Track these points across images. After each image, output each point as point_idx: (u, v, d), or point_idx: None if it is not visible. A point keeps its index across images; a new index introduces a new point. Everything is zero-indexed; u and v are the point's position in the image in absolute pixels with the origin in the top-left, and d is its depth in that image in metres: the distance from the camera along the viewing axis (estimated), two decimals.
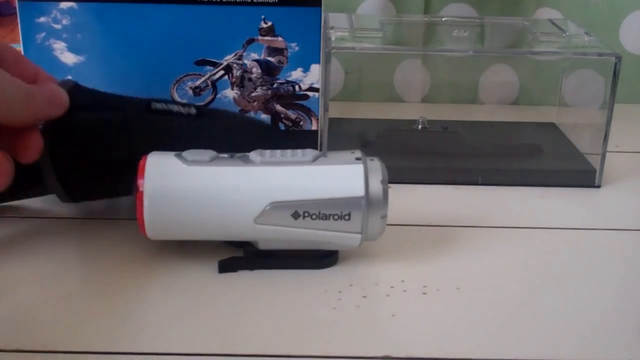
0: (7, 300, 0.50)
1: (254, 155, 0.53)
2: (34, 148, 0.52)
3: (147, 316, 0.49)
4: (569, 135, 0.77)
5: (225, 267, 0.53)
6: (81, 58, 0.66)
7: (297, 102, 0.69)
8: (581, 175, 0.70)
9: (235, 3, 0.65)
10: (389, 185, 0.53)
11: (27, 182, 0.56)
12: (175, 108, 0.58)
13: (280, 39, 0.67)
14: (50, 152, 0.54)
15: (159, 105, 0.58)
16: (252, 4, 0.65)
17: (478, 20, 0.83)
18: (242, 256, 0.54)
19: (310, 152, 0.53)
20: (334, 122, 0.71)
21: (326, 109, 0.68)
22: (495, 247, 0.58)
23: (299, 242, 0.53)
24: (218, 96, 0.68)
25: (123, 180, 0.53)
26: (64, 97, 0.54)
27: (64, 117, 0.54)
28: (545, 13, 0.88)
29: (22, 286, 0.52)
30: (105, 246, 0.56)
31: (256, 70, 0.68)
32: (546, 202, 0.66)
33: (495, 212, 0.64)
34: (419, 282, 0.53)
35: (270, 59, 0.67)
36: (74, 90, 0.56)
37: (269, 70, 0.68)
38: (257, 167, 0.52)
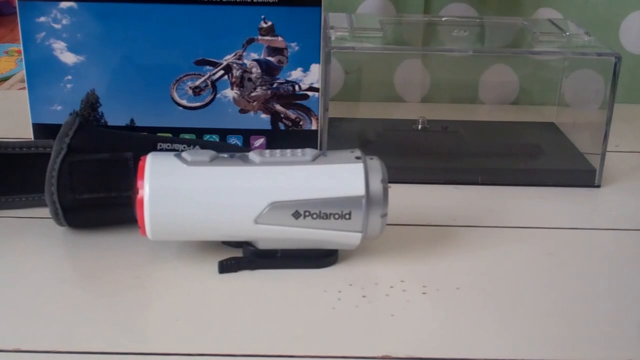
0: (7, 300, 0.50)
1: (253, 155, 0.53)
2: None
3: (147, 316, 0.49)
4: (569, 135, 0.77)
5: (225, 267, 0.53)
6: (81, 58, 0.66)
7: (297, 102, 0.69)
8: (581, 175, 0.70)
9: (235, 3, 0.65)
10: (389, 184, 0.53)
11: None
12: (180, 147, 0.59)
13: (280, 38, 0.67)
14: (57, 191, 0.55)
15: (164, 145, 0.59)
16: (252, 4, 0.65)
17: (478, 20, 0.83)
18: (242, 256, 0.54)
19: (310, 152, 0.53)
20: (334, 122, 0.71)
21: (326, 109, 0.68)
22: (495, 247, 0.58)
23: (299, 242, 0.53)
24: (218, 96, 0.68)
25: (125, 213, 0.55)
26: None
27: (72, 157, 0.55)
28: (545, 13, 0.88)
29: (22, 286, 0.52)
30: (105, 246, 0.56)
31: (256, 70, 0.68)
32: (546, 202, 0.66)
33: (495, 212, 0.64)
34: (419, 282, 0.53)
35: (270, 58, 0.67)
36: (81, 129, 0.57)
37: (268, 70, 0.68)
38: (257, 167, 0.52)
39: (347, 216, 0.52)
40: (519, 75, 0.90)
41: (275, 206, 0.51)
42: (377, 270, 0.55)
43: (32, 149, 0.60)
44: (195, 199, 0.51)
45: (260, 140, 0.69)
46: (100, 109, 0.68)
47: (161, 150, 0.59)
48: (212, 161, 0.52)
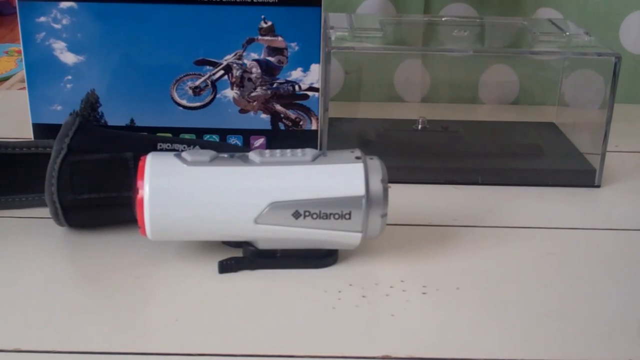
0: (7, 300, 0.50)
1: (253, 155, 0.53)
2: None
3: (147, 316, 0.49)
4: (569, 135, 0.77)
5: (225, 267, 0.53)
6: (81, 58, 0.66)
7: (297, 101, 0.69)
8: (581, 175, 0.70)
9: (235, 3, 0.65)
10: (389, 184, 0.53)
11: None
12: (180, 147, 0.59)
13: (280, 38, 0.67)
14: (57, 191, 0.55)
15: (164, 145, 0.59)
16: (252, 4, 0.65)
17: (478, 20, 0.83)
18: (242, 256, 0.54)
19: (310, 152, 0.53)
20: (334, 122, 0.71)
21: (326, 109, 0.68)
22: (495, 247, 0.58)
23: (299, 242, 0.53)
24: (218, 96, 0.68)
25: (125, 213, 0.55)
26: None
27: (72, 157, 0.55)
28: (545, 13, 0.88)
29: (22, 286, 0.52)
30: (105, 246, 0.56)
31: (256, 70, 0.68)
32: (546, 202, 0.66)
33: (495, 212, 0.64)
34: (419, 282, 0.53)
35: (270, 58, 0.67)
36: (81, 129, 0.57)
37: (268, 70, 0.68)
38: (257, 167, 0.52)
39: (347, 216, 0.52)
40: (519, 75, 0.90)
41: (275, 206, 0.51)
42: (377, 270, 0.55)
43: (32, 149, 0.60)
44: (195, 199, 0.51)
45: (260, 140, 0.69)
46: (100, 109, 0.68)
47: (161, 150, 0.59)
48: (212, 161, 0.52)
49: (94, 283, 0.53)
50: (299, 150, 0.53)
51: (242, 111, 0.69)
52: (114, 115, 0.68)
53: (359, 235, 0.53)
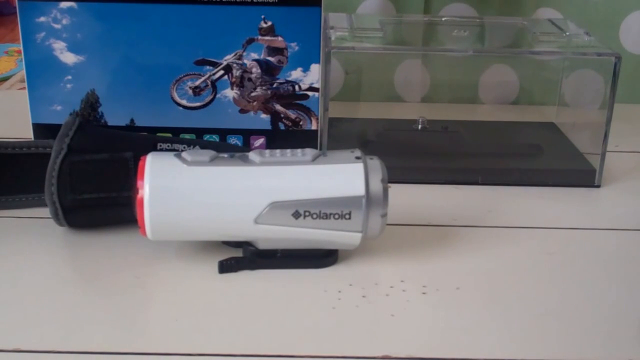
0: (7, 300, 0.50)
1: (253, 155, 0.53)
2: None
3: (147, 316, 0.49)
4: (569, 135, 0.77)
5: (225, 267, 0.53)
6: (81, 58, 0.66)
7: (297, 101, 0.69)
8: (581, 175, 0.70)
9: (235, 3, 0.65)
10: (389, 184, 0.53)
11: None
12: (180, 147, 0.59)
13: (280, 38, 0.67)
14: (57, 191, 0.55)
15: (164, 145, 0.59)
16: (252, 4, 0.65)
17: (478, 20, 0.83)
18: (242, 256, 0.54)
19: (310, 152, 0.53)
20: (334, 122, 0.71)
21: (326, 109, 0.68)
22: (495, 247, 0.58)
23: (299, 242, 0.53)
24: (218, 96, 0.68)
25: (125, 213, 0.55)
26: None
27: (72, 157, 0.55)
28: (545, 13, 0.88)
29: (22, 286, 0.52)
30: (105, 246, 0.56)
31: (256, 70, 0.68)
32: (546, 202, 0.66)
33: (495, 212, 0.64)
34: (419, 282, 0.53)
35: (270, 58, 0.67)
36: (81, 129, 0.57)
37: (268, 70, 0.68)
38: (257, 167, 0.52)
39: (347, 216, 0.52)
40: (519, 75, 0.90)
41: (275, 206, 0.51)
42: (377, 270, 0.55)
43: (32, 149, 0.60)
44: (195, 199, 0.51)
45: (260, 140, 0.69)
46: (100, 109, 0.68)
47: (161, 150, 0.59)
48: (212, 161, 0.52)
49: (94, 283, 0.53)
50: (299, 150, 0.53)
51: (242, 111, 0.69)
52: (114, 115, 0.68)
53: (359, 235, 0.53)
